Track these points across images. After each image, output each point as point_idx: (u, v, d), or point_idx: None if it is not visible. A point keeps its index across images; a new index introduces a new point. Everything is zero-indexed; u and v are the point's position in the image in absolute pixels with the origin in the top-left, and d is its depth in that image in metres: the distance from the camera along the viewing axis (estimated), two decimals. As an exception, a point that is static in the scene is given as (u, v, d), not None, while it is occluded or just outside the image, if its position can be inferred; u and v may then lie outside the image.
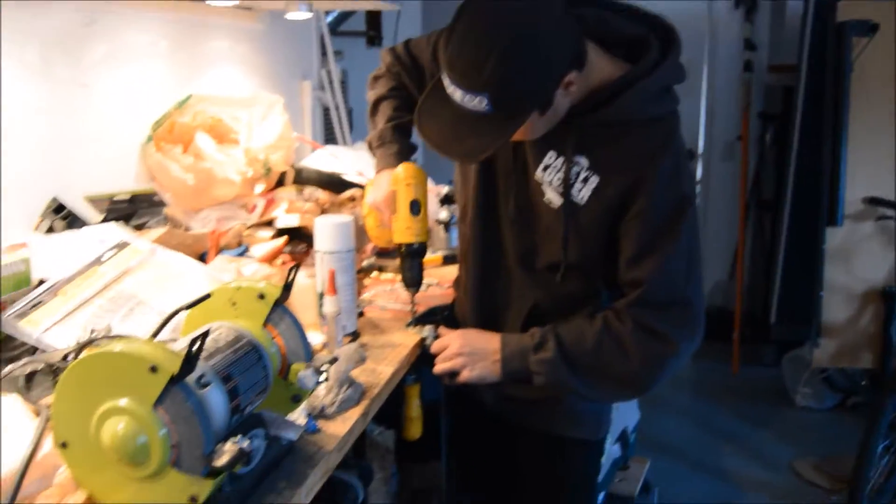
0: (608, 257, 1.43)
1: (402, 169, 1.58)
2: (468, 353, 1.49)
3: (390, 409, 1.51)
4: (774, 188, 4.55)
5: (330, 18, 3.49)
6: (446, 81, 1.26)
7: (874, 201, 3.64)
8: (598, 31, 1.37)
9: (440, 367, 1.52)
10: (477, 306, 1.59)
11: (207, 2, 1.92)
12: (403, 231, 1.58)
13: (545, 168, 1.43)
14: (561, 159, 1.41)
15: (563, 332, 1.44)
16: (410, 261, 1.60)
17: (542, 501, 1.67)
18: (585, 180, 1.39)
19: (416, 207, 1.57)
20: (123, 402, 0.89)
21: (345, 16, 3.74)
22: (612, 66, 1.37)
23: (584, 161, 1.39)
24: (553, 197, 1.43)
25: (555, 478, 1.65)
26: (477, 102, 1.22)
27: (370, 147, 1.71)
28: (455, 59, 1.23)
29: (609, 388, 1.45)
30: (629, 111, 1.35)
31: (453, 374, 1.52)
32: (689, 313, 1.39)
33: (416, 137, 1.69)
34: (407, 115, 1.68)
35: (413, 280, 1.62)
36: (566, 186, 1.40)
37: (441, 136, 1.30)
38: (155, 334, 1.06)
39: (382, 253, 2.12)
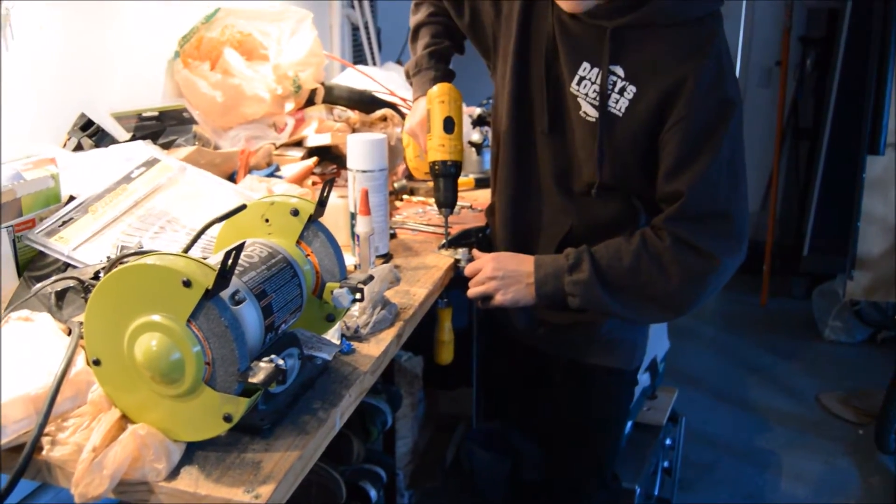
0: (648, 176, 1.38)
1: (437, 88, 1.55)
2: (501, 276, 1.46)
3: (419, 336, 1.50)
4: (813, 116, 4.42)
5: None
6: None
7: (918, 130, 3.53)
8: None
9: (473, 290, 1.49)
10: (510, 231, 1.56)
11: None
12: (437, 149, 1.54)
13: (580, 80, 1.38)
14: (596, 70, 1.35)
15: (599, 251, 1.40)
16: (444, 180, 1.56)
17: (574, 430, 1.66)
18: (622, 91, 1.34)
19: (450, 125, 1.53)
20: (156, 317, 0.87)
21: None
22: None
23: (619, 70, 1.34)
24: (589, 110, 1.37)
25: (588, 407, 1.64)
26: None
27: (407, 76, 1.67)
28: None
29: (648, 309, 1.41)
30: (666, 11, 1.29)
31: (486, 297, 1.49)
32: (731, 226, 1.34)
33: (454, 63, 1.65)
34: (446, 40, 1.65)
35: (447, 200, 1.58)
36: (602, 98, 1.35)
37: None
38: (188, 248, 1.04)
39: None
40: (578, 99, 1.39)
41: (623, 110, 1.34)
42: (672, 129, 1.32)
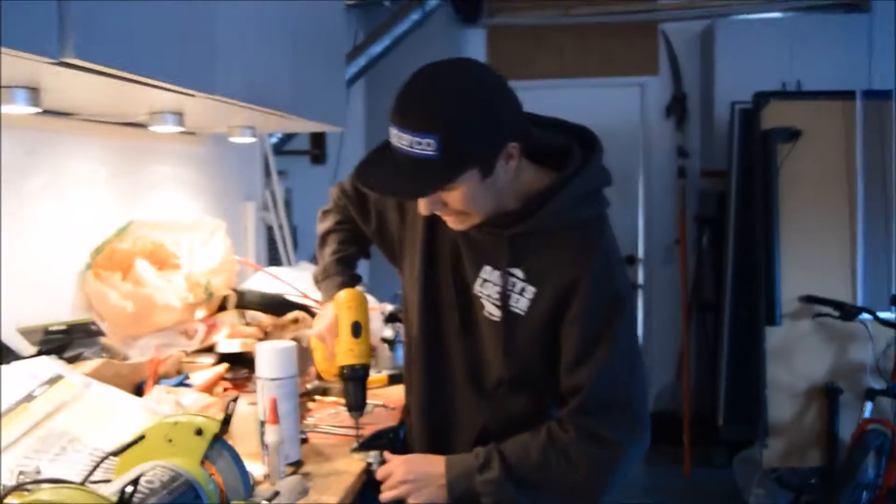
0: (552, 369, 1.44)
1: (344, 294, 1.60)
2: (413, 479, 1.46)
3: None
4: (714, 289, 4.67)
5: (274, 140, 3.55)
6: (393, 132, 1.28)
7: (810, 299, 3.75)
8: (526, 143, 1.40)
9: (385, 495, 1.48)
10: (426, 430, 1.58)
11: (151, 128, 1.93)
12: (345, 353, 1.57)
13: (483, 283, 1.46)
14: (497, 273, 1.44)
15: (508, 449, 1.42)
16: (353, 384, 1.58)
17: None
18: (522, 291, 1.42)
19: (357, 329, 1.57)
20: (50, 557, 0.85)
21: (289, 136, 3.82)
22: (539, 175, 1.42)
23: (519, 273, 1.42)
24: (492, 310, 1.45)
25: None
26: (425, 145, 1.23)
27: (316, 281, 1.73)
28: (407, 105, 1.27)
29: (560, 502, 1.43)
30: (557, 217, 1.39)
31: (399, 501, 1.48)
32: (632, 415, 1.40)
33: (361, 267, 1.72)
34: (352, 247, 1.72)
35: (356, 403, 1.59)
36: (503, 299, 1.42)
37: (382, 179, 1.33)
38: (85, 479, 1.02)
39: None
40: (482, 300, 1.46)
41: (525, 309, 1.42)
42: (570, 326, 1.39)
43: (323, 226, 1.76)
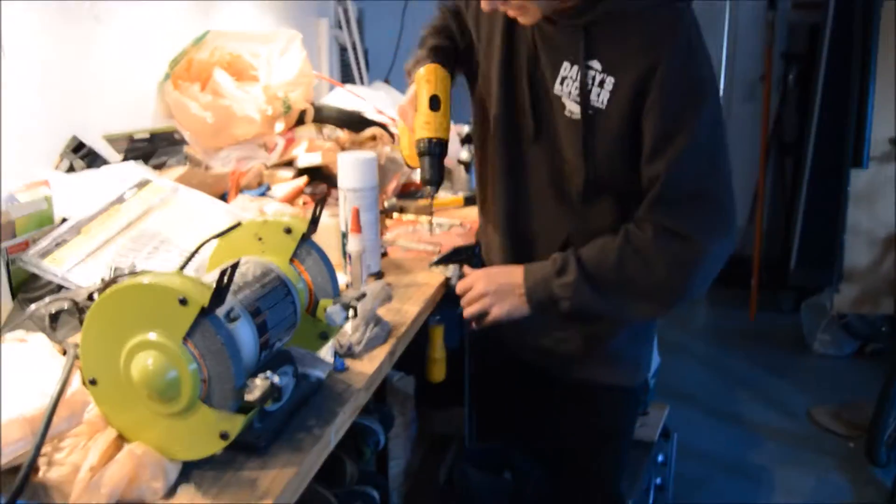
0: (636, 169, 1.37)
1: (424, 69, 1.51)
2: (493, 291, 1.47)
3: (411, 355, 1.49)
4: (797, 130, 4.47)
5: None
6: None
7: (901, 142, 3.57)
8: None
9: (468, 310, 1.50)
10: (507, 244, 1.56)
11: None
12: (422, 126, 1.47)
13: (562, 81, 1.39)
14: (575, 68, 1.37)
15: (585, 251, 1.40)
16: (429, 158, 1.47)
17: (580, 449, 1.66)
18: (602, 84, 1.35)
19: (435, 102, 1.48)
20: (152, 335, 0.88)
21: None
22: None
23: (597, 64, 1.35)
24: (574, 108, 1.38)
25: (594, 425, 1.63)
26: None
27: (407, 74, 1.64)
28: None
29: (640, 304, 1.40)
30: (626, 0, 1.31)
31: (482, 315, 1.50)
32: (713, 208, 1.34)
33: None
34: (446, 41, 1.62)
35: (431, 178, 1.47)
36: (583, 93, 1.36)
37: None
38: (183, 266, 1.05)
39: (404, 194, 2.10)
40: (563, 99, 1.39)
41: (605, 102, 1.35)
42: (648, 114, 1.32)
43: (422, 31, 1.67)
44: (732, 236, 1.35)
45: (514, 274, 1.46)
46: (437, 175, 1.48)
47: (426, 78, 1.50)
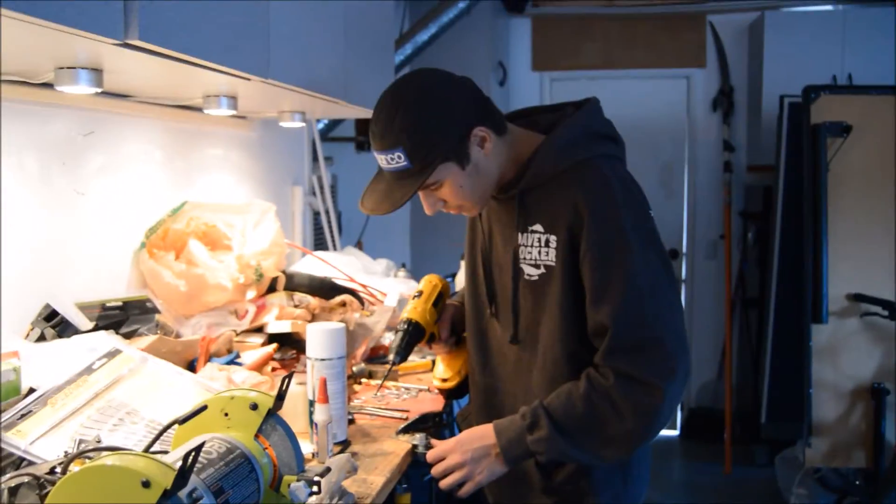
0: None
1: (429, 276, 1.78)
2: (470, 459, 1.47)
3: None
4: (759, 286, 4.61)
5: (321, 125, 3.59)
6: (376, 156, 1.44)
7: (858, 297, 3.68)
8: (527, 119, 1.56)
9: (446, 481, 1.49)
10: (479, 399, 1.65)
11: (204, 111, 1.98)
12: (410, 310, 1.69)
13: (521, 249, 1.50)
14: (524, 235, 1.48)
15: (553, 404, 1.42)
16: (402, 334, 1.66)
17: None
18: (547, 243, 1.45)
19: (435, 300, 1.72)
20: (114, 519, 0.88)
21: (335, 123, 3.85)
22: (535, 140, 1.48)
23: (539, 227, 1.46)
24: (531, 271, 1.48)
25: None
26: (397, 159, 1.39)
27: None
28: (374, 128, 1.42)
29: (609, 450, 1.43)
30: (549, 162, 1.45)
31: (462, 483, 1.50)
32: (663, 353, 1.37)
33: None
34: None
35: (398, 352, 1.66)
36: (533, 257, 1.47)
37: (374, 201, 1.47)
38: (149, 446, 1.06)
39: (373, 358, 2.13)
40: (522, 266, 1.49)
41: (553, 260, 1.44)
42: (583, 265, 1.41)
43: None
44: (683, 374, 1.39)
45: (485, 437, 1.47)
46: (404, 351, 1.67)
47: (432, 283, 1.75)
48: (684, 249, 5.02)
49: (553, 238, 1.44)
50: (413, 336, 1.66)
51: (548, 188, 1.45)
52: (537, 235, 1.46)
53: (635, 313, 1.38)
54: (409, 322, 1.67)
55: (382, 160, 1.42)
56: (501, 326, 1.56)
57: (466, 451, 1.48)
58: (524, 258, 1.49)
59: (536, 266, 1.47)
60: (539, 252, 1.46)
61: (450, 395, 1.80)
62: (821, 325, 3.70)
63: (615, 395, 1.38)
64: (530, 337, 1.51)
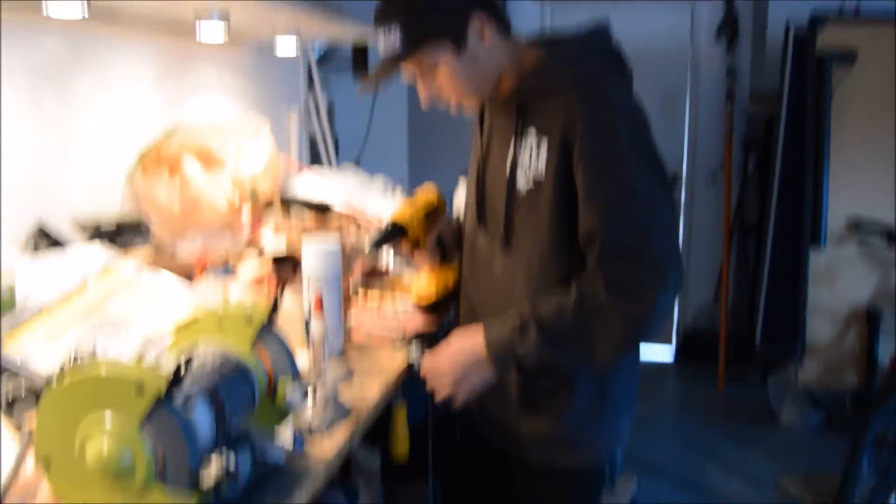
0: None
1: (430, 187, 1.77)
2: (461, 373, 1.47)
3: (377, 431, 1.50)
4: (757, 214, 4.60)
5: (317, 56, 3.52)
6: (375, 32, 1.43)
7: (856, 222, 3.69)
8: (537, 39, 1.53)
9: (439, 395, 1.50)
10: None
11: (197, 35, 1.94)
12: (399, 212, 1.70)
13: (516, 154, 1.48)
14: (519, 140, 1.47)
15: (542, 311, 1.41)
16: (384, 229, 1.68)
17: None
18: (539, 145, 1.43)
19: (429, 212, 1.72)
20: (109, 423, 0.89)
21: (331, 52, 3.78)
22: (543, 52, 1.47)
23: (533, 130, 1.45)
24: (522, 184, 1.47)
25: None
26: (393, 40, 1.39)
27: None
28: (377, 8, 1.42)
29: (601, 355, 1.42)
30: (551, 69, 1.44)
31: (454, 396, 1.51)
32: (654, 262, 1.36)
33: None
34: None
35: (376, 242, 1.67)
36: (527, 160, 1.45)
37: (368, 77, 1.48)
38: (141, 356, 1.07)
39: (369, 274, 2.13)
40: (517, 172, 1.48)
41: (544, 166, 1.42)
42: (576, 170, 1.39)
43: None
44: (673, 284, 1.38)
45: (475, 347, 1.47)
46: (378, 243, 1.68)
47: (426, 190, 1.75)
48: (684, 176, 5.00)
49: (545, 140, 1.42)
50: (391, 233, 1.66)
51: (549, 96, 1.43)
52: (531, 140, 1.44)
53: (627, 221, 1.36)
54: (393, 224, 1.67)
55: (381, 41, 1.42)
56: (489, 235, 1.55)
57: (457, 364, 1.48)
58: (518, 165, 1.47)
59: (527, 179, 1.45)
60: (531, 156, 1.44)
61: (427, 310, 1.79)
62: (819, 250, 3.71)
63: (605, 303, 1.37)
64: (517, 247, 1.50)
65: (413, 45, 1.40)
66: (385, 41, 1.41)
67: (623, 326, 1.38)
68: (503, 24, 1.46)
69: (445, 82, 1.45)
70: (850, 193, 3.74)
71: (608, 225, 1.36)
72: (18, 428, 1.09)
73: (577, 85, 1.40)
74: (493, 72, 1.47)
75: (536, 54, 1.47)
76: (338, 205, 2.26)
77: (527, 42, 1.52)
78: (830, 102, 3.70)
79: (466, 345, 1.49)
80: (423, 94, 1.49)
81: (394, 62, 1.42)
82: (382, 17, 1.41)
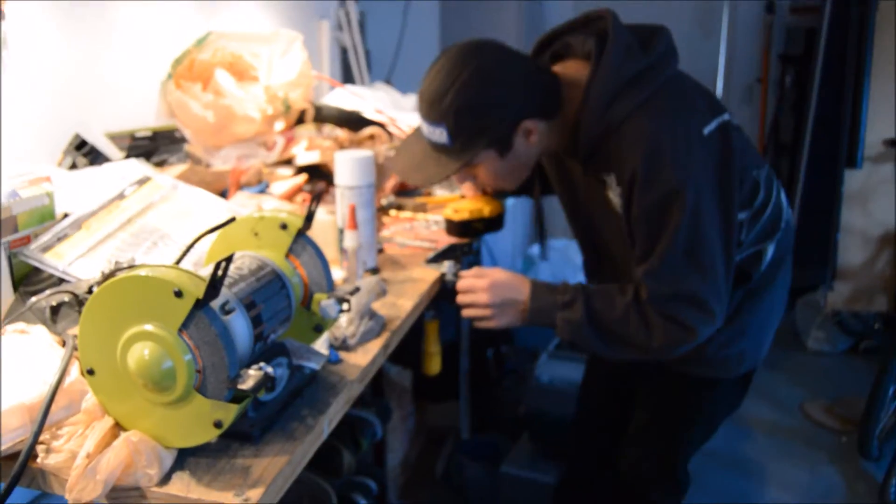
0: None
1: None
2: (498, 304, 1.51)
3: (408, 350, 1.53)
4: (793, 132, 4.50)
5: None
6: (419, 116, 1.43)
7: (894, 143, 3.59)
8: (561, 43, 1.49)
9: (467, 311, 1.53)
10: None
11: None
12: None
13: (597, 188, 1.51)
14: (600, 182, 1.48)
15: (594, 295, 1.46)
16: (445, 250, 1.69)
17: (658, 432, 1.77)
18: (616, 192, 1.45)
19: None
20: (149, 326, 0.91)
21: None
22: (578, 92, 1.41)
23: (606, 178, 1.45)
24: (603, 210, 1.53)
25: (683, 411, 1.75)
26: (438, 134, 1.39)
27: None
28: (423, 92, 1.39)
29: (624, 353, 1.49)
30: (593, 128, 1.39)
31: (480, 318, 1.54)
32: (701, 306, 1.39)
33: None
34: None
35: (432, 256, 1.68)
36: (620, 202, 1.46)
37: (406, 166, 1.48)
38: (179, 259, 1.08)
39: (401, 192, 2.13)
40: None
41: (619, 207, 1.45)
42: (633, 222, 1.41)
43: None
44: (721, 316, 1.43)
45: (520, 290, 1.51)
46: (435, 260, 1.67)
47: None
48: (719, 92, 4.87)
49: (618, 188, 1.43)
50: (448, 252, 1.68)
51: (604, 143, 1.41)
52: (611, 187, 1.45)
53: (673, 271, 1.38)
54: (451, 246, 1.68)
55: (424, 128, 1.41)
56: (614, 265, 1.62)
57: (497, 296, 1.51)
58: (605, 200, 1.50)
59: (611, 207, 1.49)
60: (617, 200, 1.45)
61: (453, 228, 1.82)
62: (854, 170, 3.63)
63: (654, 320, 1.41)
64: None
65: (458, 148, 1.39)
66: (429, 131, 1.41)
67: (661, 343, 1.42)
68: (551, 110, 1.43)
69: (483, 177, 1.48)
70: (888, 113, 3.62)
71: (659, 273, 1.38)
72: (62, 337, 1.12)
73: (624, 144, 1.38)
74: (535, 158, 1.49)
75: (574, 98, 1.41)
76: (370, 114, 2.24)
77: (563, 82, 1.44)
78: (875, 15, 3.56)
79: (514, 283, 1.52)
80: (458, 179, 1.55)
81: (441, 166, 1.42)
82: (430, 113, 1.39)
